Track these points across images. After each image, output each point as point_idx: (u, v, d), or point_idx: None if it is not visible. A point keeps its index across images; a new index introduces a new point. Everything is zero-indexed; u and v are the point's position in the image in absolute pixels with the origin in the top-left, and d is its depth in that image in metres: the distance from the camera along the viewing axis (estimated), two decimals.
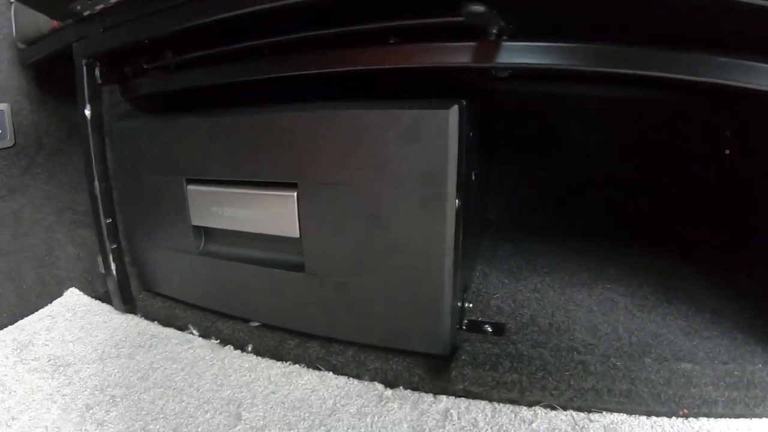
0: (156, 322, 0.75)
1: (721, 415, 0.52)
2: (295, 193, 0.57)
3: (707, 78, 0.51)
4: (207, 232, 0.68)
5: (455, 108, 0.50)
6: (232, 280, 0.66)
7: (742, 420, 0.51)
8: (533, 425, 0.52)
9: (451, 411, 0.55)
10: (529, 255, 0.88)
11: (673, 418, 0.52)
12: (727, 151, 0.86)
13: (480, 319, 0.66)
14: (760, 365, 0.59)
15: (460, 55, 0.51)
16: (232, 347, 0.67)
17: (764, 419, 0.51)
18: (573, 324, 0.66)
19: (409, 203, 0.53)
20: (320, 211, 0.57)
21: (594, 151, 1.00)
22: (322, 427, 0.53)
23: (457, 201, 0.52)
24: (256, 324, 0.68)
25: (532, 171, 1.02)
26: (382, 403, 0.57)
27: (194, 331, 0.71)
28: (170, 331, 0.73)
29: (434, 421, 0.53)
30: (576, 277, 0.79)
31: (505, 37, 0.53)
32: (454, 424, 0.52)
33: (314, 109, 0.55)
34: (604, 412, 0.53)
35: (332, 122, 0.54)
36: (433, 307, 0.55)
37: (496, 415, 0.54)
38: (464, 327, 0.64)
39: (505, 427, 0.52)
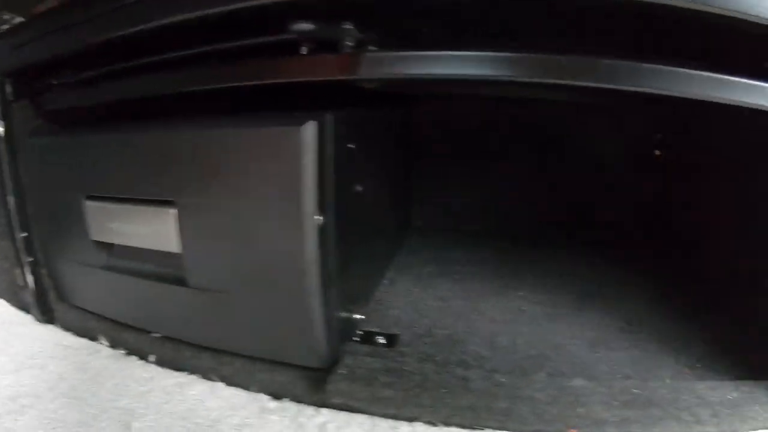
0: (72, 332, 0.77)
1: None
2: (174, 210, 0.58)
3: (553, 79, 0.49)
4: (110, 247, 0.69)
5: (312, 123, 0.50)
6: (131, 293, 0.68)
7: None
8: None
9: (329, 425, 0.55)
10: (446, 262, 0.87)
11: None
12: (657, 152, 0.83)
13: (375, 330, 0.66)
14: (668, 380, 0.57)
15: (317, 69, 0.51)
16: (137, 357, 0.69)
17: None
18: (471, 335, 0.65)
19: (272, 220, 0.53)
20: (196, 228, 0.57)
21: (532, 153, 0.98)
22: None
23: (320, 217, 0.52)
24: (158, 335, 0.69)
25: (456, 175, 1.01)
26: (264, 414, 0.57)
27: (104, 342, 0.73)
28: (83, 342, 0.74)
29: None
30: (489, 284, 0.78)
31: (373, 48, 0.52)
32: None
33: (185, 128, 0.56)
34: (486, 429, 0.52)
35: (198, 141, 0.54)
36: (305, 321, 0.55)
37: (374, 430, 0.54)
38: (357, 338, 0.64)
39: None
